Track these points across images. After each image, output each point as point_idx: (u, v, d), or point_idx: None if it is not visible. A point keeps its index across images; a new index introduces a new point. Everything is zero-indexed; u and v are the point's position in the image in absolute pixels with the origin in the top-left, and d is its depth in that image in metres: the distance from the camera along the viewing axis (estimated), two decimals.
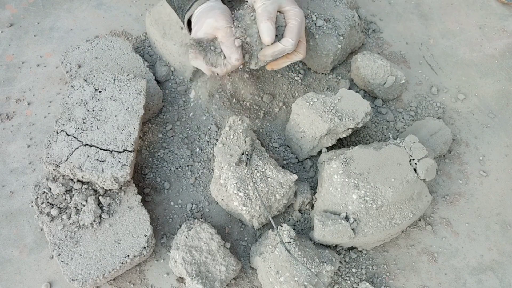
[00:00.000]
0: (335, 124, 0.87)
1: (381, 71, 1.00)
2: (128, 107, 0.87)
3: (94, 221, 0.80)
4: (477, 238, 0.94)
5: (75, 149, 0.81)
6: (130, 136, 0.84)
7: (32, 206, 0.84)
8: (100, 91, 0.88)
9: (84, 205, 0.81)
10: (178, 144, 0.97)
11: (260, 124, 1.01)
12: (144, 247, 0.80)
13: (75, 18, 1.12)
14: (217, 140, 0.97)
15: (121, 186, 0.84)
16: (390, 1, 1.24)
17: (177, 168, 0.95)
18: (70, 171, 0.80)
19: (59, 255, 0.78)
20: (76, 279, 0.77)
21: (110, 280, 0.82)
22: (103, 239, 0.80)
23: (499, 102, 1.11)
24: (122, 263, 0.78)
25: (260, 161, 0.85)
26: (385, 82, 1.02)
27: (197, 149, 0.97)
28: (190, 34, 0.87)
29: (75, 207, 0.81)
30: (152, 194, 0.92)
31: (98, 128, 0.84)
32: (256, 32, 0.80)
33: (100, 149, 0.82)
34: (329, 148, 0.95)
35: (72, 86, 0.88)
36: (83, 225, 0.81)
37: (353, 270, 0.87)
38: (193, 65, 0.83)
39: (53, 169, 0.80)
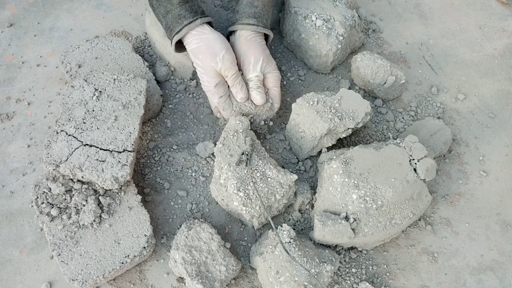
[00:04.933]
0: (335, 124, 0.87)
1: (381, 71, 1.00)
2: (128, 107, 0.87)
3: (94, 221, 0.80)
4: (477, 238, 0.94)
5: (75, 149, 0.81)
6: (130, 136, 0.84)
7: (32, 206, 0.84)
8: (100, 91, 0.88)
9: (84, 205, 0.81)
10: (178, 144, 0.97)
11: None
12: (144, 247, 0.80)
13: (75, 18, 1.12)
14: (217, 140, 0.97)
15: (121, 186, 0.84)
16: (390, 1, 1.24)
17: (177, 168, 0.95)
18: (70, 171, 0.80)
19: (59, 255, 0.78)
20: (76, 279, 0.77)
21: (110, 280, 0.82)
22: (103, 239, 0.80)
23: (499, 102, 1.11)
24: (122, 263, 0.78)
25: (260, 161, 0.85)
26: (385, 82, 1.02)
27: (197, 149, 0.97)
28: (178, 51, 0.95)
29: (75, 207, 0.81)
30: (152, 194, 0.92)
31: (98, 128, 0.84)
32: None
33: (100, 149, 0.82)
34: (329, 148, 0.95)
35: (72, 86, 0.88)
36: (83, 225, 0.81)
37: (353, 270, 0.87)
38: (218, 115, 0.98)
39: (53, 169, 0.80)
